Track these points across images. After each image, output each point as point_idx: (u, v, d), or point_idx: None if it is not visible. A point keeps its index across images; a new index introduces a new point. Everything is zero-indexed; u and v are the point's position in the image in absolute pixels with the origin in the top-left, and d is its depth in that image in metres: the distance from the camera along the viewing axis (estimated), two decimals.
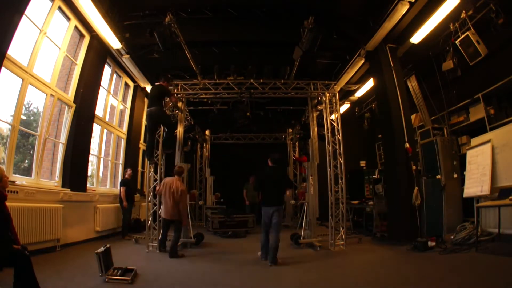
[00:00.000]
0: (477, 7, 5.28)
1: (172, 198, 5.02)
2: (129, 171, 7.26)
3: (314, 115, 6.98)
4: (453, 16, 5.39)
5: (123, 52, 6.30)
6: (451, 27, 5.77)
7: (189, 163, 11.07)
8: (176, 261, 4.65)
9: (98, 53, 6.44)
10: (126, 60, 6.52)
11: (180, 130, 6.59)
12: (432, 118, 7.34)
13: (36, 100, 5.21)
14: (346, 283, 3.50)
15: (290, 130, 11.46)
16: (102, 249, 3.49)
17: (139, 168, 9.40)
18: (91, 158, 6.60)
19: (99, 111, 6.88)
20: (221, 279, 3.71)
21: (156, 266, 4.25)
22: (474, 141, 5.61)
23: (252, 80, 6.73)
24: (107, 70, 7.35)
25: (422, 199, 5.52)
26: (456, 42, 5.60)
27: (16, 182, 4.33)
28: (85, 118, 6.12)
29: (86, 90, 6.05)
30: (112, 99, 7.86)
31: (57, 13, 5.26)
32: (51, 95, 5.24)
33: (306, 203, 6.03)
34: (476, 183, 5.10)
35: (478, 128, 5.85)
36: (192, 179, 11.31)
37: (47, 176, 5.46)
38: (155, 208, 5.94)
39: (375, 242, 6.11)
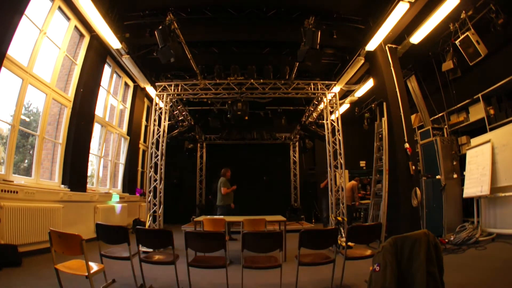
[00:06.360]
0: (477, 7, 5.28)
1: None
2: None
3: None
4: (453, 16, 5.38)
5: (123, 52, 6.29)
6: (451, 27, 5.78)
7: (189, 163, 11.20)
8: None
9: (98, 53, 6.43)
10: (126, 60, 6.51)
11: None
12: (432, 118, 7.35)
13: (36, 100, 5.21)
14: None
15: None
16: None
17: (139, 168, 9.40)
18: (91, 158, 6.60)
19: (99, 111, 6.88)
20: None
21: None
22: (474, 141, 5.62)
23: (252, 80, 6.73)
24: (107, 70, 7.34)
25: (422, 199, 5.51)
26: (456, 42, 5.60)
27: (15, 182, 4.33)
28: (85, 118, 6.11)
29: (86, 90, 6.05)
30: (112, 99, 7.85)
31: (57, 13, 5.26)
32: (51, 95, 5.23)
33: None
34: (476, 183, 5.11)
35: (478, 128, 5.86)
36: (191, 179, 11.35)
37: (47, 176, 5.45)
38: (155, 208, 5.94)
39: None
